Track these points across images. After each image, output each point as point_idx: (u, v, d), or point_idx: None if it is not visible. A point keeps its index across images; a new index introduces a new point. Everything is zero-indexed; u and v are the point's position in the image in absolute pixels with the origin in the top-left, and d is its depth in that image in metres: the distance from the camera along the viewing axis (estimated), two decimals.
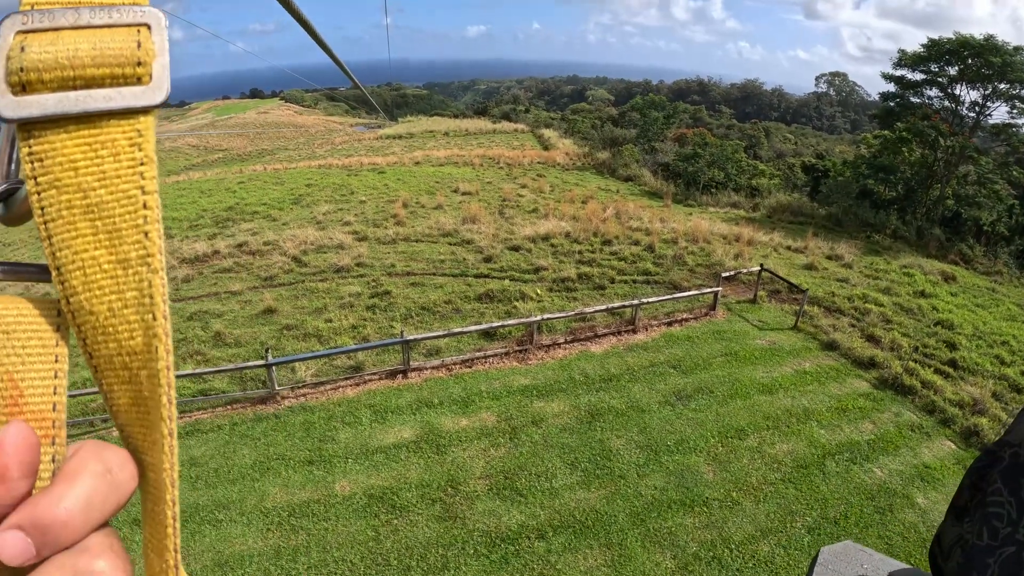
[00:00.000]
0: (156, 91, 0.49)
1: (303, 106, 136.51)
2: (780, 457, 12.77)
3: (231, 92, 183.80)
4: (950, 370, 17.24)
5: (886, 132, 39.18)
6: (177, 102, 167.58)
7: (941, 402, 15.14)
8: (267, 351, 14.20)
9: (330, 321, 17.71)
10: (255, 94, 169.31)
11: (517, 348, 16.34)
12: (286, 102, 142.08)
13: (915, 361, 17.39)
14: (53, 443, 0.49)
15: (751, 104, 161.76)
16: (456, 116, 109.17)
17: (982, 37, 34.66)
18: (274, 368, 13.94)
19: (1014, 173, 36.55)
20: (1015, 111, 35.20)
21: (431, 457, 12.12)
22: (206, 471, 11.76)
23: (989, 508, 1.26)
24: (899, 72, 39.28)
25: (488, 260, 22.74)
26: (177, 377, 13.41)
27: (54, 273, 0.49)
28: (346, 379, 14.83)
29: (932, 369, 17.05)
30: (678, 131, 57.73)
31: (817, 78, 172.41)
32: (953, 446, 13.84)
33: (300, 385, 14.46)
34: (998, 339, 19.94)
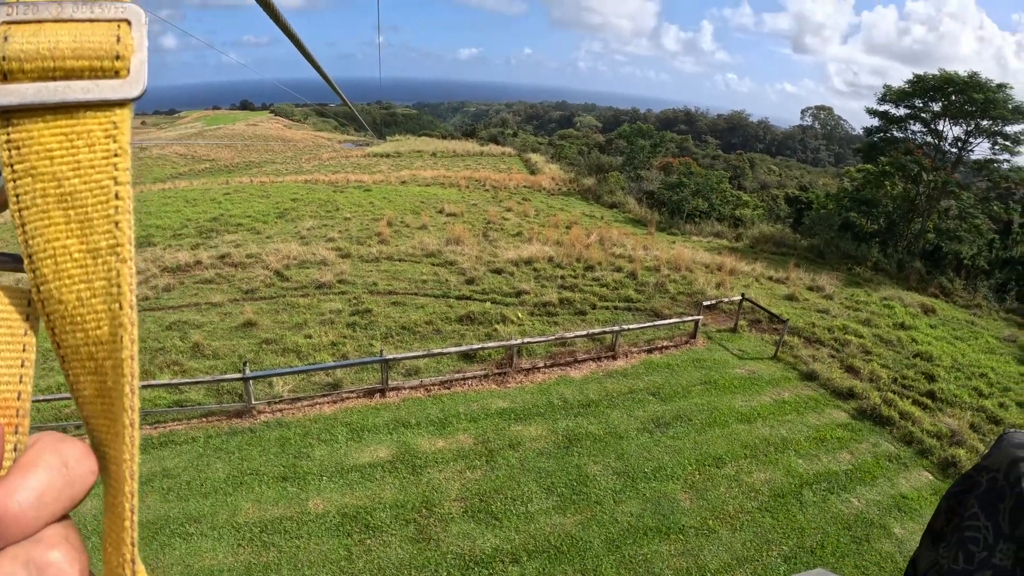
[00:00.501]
0: (133, 85, 0.52)
1: (292, 120, 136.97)
2: (757, 486, 12.90)
3: (221, 102, 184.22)
4: (928, 401, 17.53)
5: (869, 166, 39.93)
6: (167, 110, 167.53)
7: (919, 433, 15.42)
8: (245, 364, 14.23)
9: (310, 337, 17.76)
10: (245, 106, 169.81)
11: (496, 371, 16.44)
12: (276, 115, 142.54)
13: (894, 392, 17.68)
14: (16, 432, 0.50)
15: (737, 135, 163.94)
16: (444, 137, 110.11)
17: (966, 74, 35.59)
18: (251, 382, 13.96)
19: (995, 208, 37.79)
20: (997, 147, 36.06)
21: (406, 477, 12.15)
22: (178, 483, 11.71)
23: (966, 532, 1.33)
24: (884, 107, 40.17)
25: (470, 282, 22.91)
26: (153, 387, 13.42)
27: (26, 261, 0.51)
28: (323, 396, 14.85)
29: (910, 400, 17.35)
30: (664, 160, 58.50)
31: (803, 111, 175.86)
32: (931, 477, 14.06)
33: (277, 400, 14.47)
34: (976, 371, 20.28)
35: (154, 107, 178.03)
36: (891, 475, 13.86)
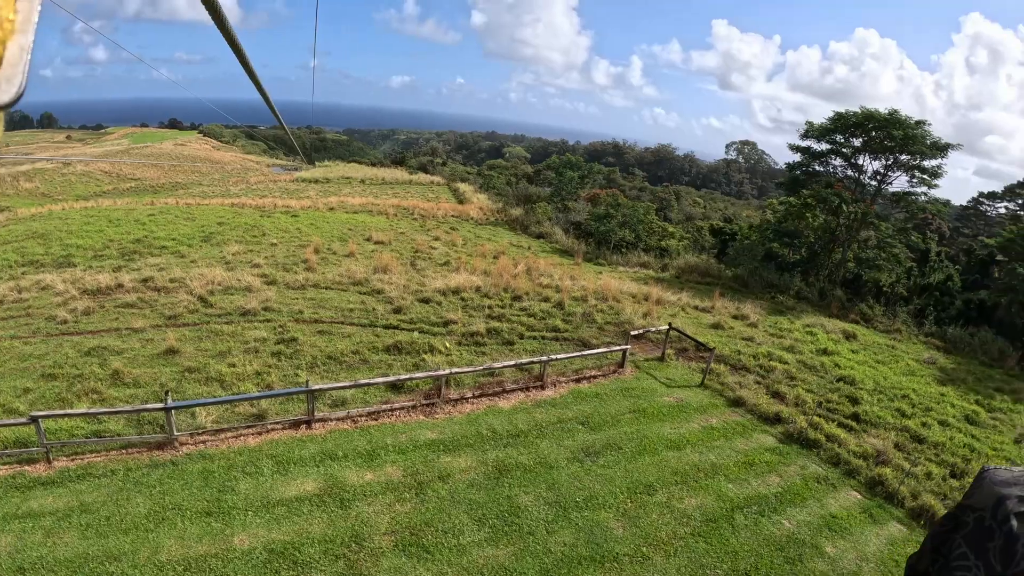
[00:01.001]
0: (7, 84, 0.46)
1: (221, 141, 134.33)
2: (689, 512, 13.05)
3: (150, 119, 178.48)
4: (853, 423, 18.24)
5: (791, 198, 41.49)
6: (94, 125, 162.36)
7: (845, 454, 16.02)
8: (167, 394, 13.73)
9: (234, 366, 17.27)
10: (174, 124, 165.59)
11: (424, 402, 16.32)
12: (204, 136, 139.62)
13: (819, 416, 18.32)
14: None
15: (663, 168, 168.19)
16: (374, 164, 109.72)
17: (887, 111, 37.76)
18: (173, 412, 13.49)
19: (912, 237, 40.38)
20: (914, 180, 38.27)
21: (335, 511, 11.86)
22: (97, 519, 11.15)
23: (955, 572, 1.36)
24: (806, 143, 42.03)
25: (398, 311, 22.76)
26: (71, 416, 12.87)
27: None
28: (248, 427, 14.44)
29: (836, 423, 18.01)
30: (592, 191, 59.50)
31: (728, 145, 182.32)
32: (859, 496, 14.55)
33: (200, 431, 14.01)
34: (898, 393, 21.16)
35: (80, 121, 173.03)
36: (820, 496, 14.24)
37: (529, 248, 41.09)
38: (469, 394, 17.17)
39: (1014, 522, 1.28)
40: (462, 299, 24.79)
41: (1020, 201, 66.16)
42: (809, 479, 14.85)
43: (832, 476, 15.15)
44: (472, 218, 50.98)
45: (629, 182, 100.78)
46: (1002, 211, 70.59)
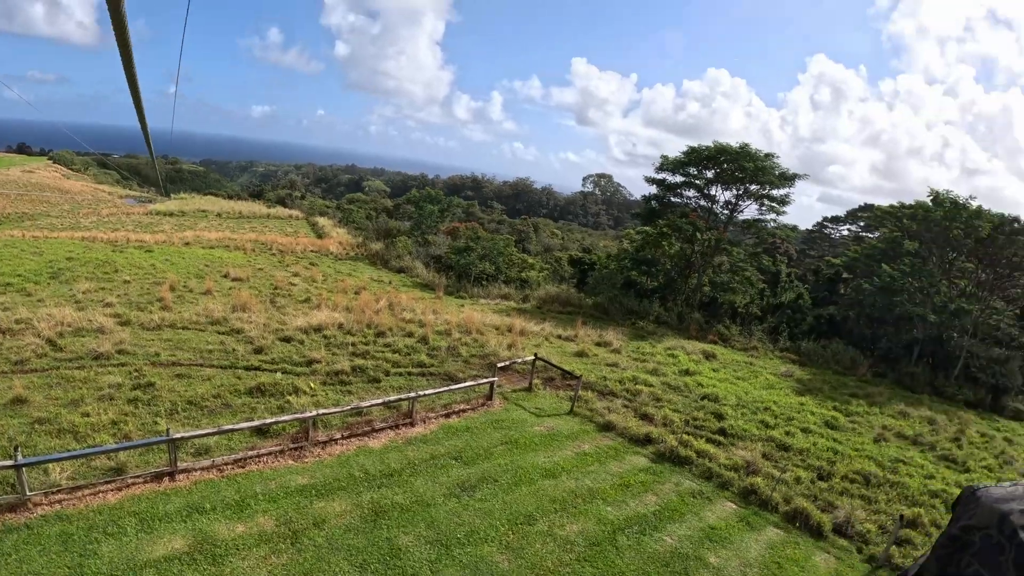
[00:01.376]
0: None
1: (72, 169, 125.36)
2: (572, 538, 13.07)
3: None
4: (721, 438, 19.15)
5: (648, 228, 43.63)
6: None
7: (717, 468, 16.76)
8: (16, 449, 12.31)
9: (88, 415, 15.74)
10: (22, 149, 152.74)
11: (292, 445, 15.59)
12: (54, 163, 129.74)
13: (688, 433, 19.07)
14: None
15: (522, 201, 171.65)
16: (231, 197, 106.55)
17: (738, 145, 40.85)
18: (24, 469, 12.13)
19: (763, 261, 43.79)
20: (764, 208, 41.81)
21: (207, 569, 10.98)
22: None
23: None
24: (661, 175, 44.56)
25: (259, 351, 21.81)
26: None
27: None
28: (107, 483, 13.21)
29: (704, 439, 18.80)
30: (451, 225, 60.02)
31: (584, 178, 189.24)
32: (734, 506, 15.23)
33: (55, 490, 12.65)
34: (760, 406, 22.40)
35: None
36: (697, 510, 14.70)
37: (390, 283, 40.81)
38: (338, 435, 16.58)
39: (1022, 534, 1.31)
40: (325, 337, 24.11)
41: (861, 223, 72.25)
42: (685, 495, 15.30)
43: (706, 490, 15.71)
44: (332, 253, 50.49)
45: (488, 215, 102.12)
46: (845, 233, 77.42)
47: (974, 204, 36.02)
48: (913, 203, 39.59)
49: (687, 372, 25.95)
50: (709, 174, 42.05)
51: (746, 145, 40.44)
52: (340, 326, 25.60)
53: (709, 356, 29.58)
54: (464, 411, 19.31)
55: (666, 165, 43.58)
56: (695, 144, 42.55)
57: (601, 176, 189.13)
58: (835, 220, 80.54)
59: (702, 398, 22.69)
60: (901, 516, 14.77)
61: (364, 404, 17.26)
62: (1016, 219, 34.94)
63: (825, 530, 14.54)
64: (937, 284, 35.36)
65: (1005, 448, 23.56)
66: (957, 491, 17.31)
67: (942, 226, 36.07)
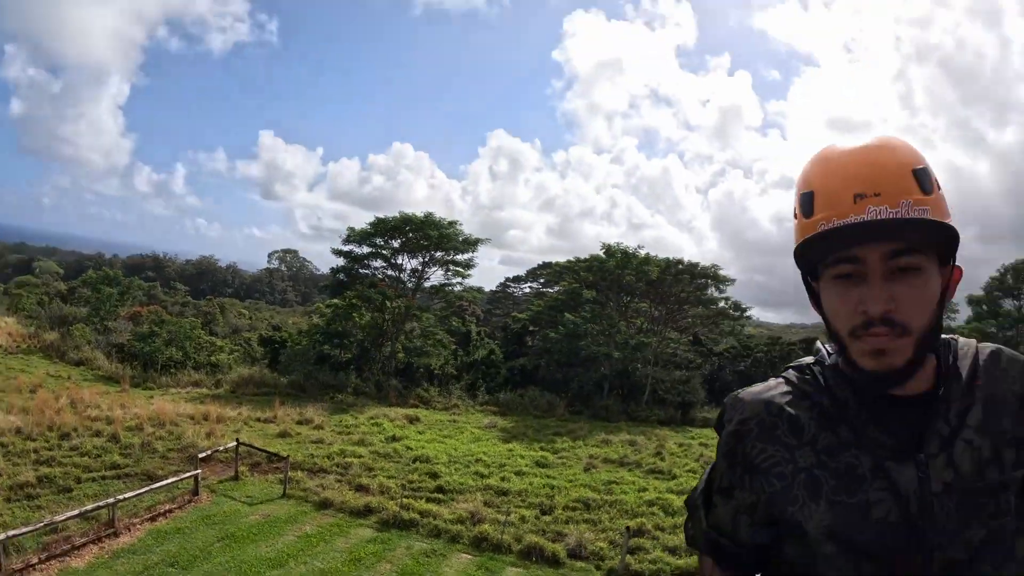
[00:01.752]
0: None
1: None
2: None
3: None
4: (440, 495, 19.80)
5: (337, 300, 43.80)
6: None
7: (443, 524, 17.32)
8: None
9: None
10: None
11: None
12: None
13: (407, 497, 19.35)
14: None
15: (206, 280, 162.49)
16: None
17: (422, 215, 42.73)
18: None
19: (453, 323, 46.29)
20: (450, 273, 44.35)
21: None
22: None
23: (761, 464, 1.52)
24: (348, 247, 44.87)
25: None
26: None
27: None
28: None
29: (424, 499, 19.32)
30: (132, 309, 55.36)
31: (270, 255, 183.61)
32: (469, 556, 15.84)
33: None
34: (472, 459, 23.46)
35: None
36: (435, 567, 15.05)
37: (70, 377, 36.43)
38: (35, 559, 14.38)
39: (788, 408, 1.52)
40: (2, 445, 20.91)
41: (542, 280, 78.21)
42: (418, 556, 15.50)
43: (438, 547, 16.06)
44: (1, 346, 43.65)
45: (171, 297, 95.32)
46: (527, 290, 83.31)
47: (642, 252, 42.58)
48: (588, 257, 44.97)
49: (394, 438, 26.28)
50: (396, 243, 43.38)
51: (430, 214, 42.52)
52: (18, 431, 22.30)
53: (413, 420, 30.21)
54: (171, 511, 17.83)
55: (353, 236, 44.09)
56: (381, 215, 43.73)
57: (287, 252, 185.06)
58: (517, 279, 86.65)
59: (414, 460, 23.10)
60: (628, 528, 16.31)
61: (59, 518, 15.26)
62: (679, 261, 42.95)
63: (561, 557, 15.62)
64: (617, 324, 40.72)
65: (703, 452, 27.23)
66: (670, 497, 19.87)
67: (615, 274, 41.75)
